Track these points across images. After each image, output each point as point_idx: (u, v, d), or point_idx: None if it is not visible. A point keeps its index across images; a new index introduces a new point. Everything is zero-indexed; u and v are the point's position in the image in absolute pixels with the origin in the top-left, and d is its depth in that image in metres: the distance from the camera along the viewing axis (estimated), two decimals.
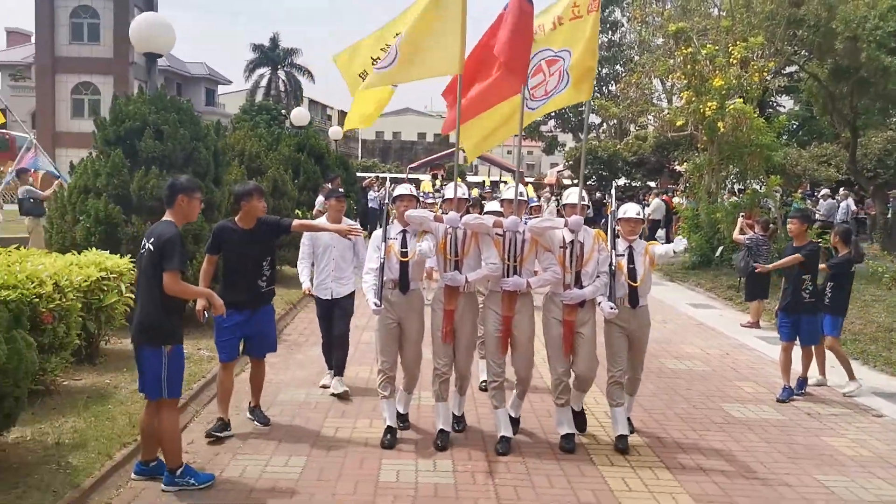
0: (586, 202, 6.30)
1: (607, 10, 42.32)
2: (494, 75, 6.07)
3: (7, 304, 4.89)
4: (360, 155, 79.52)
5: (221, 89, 65.55)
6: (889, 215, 24.90)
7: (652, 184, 32.64)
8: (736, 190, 19.14)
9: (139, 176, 9.02)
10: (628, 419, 6.37)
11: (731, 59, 15.87)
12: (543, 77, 6.21)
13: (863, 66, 18.58)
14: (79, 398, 6.34)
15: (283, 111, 62.38)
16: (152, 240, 4.81)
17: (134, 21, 9.30)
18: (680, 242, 6.20)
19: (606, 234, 6.17)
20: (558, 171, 40.26)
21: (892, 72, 17.81)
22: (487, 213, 6.29)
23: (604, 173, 33.00)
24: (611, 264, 6.01)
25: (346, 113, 12.10)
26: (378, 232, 6.11)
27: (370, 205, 24.27)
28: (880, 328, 10.61)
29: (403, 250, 6.02)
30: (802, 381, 7.87)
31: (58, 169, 30.34)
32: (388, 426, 6.07)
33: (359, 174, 30.97)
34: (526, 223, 6.14)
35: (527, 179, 33.98)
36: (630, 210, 6.30)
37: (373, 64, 6.15)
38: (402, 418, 6.38)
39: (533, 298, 6.20)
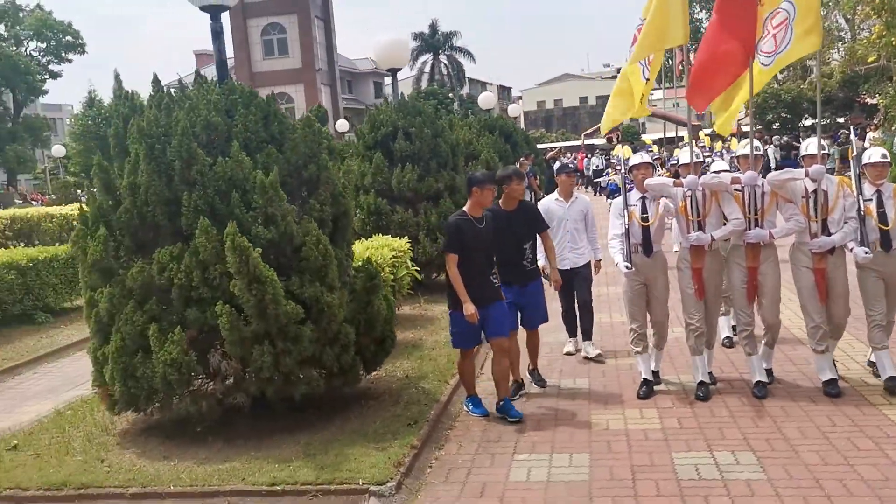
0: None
1: None
2: (724, 48, 6.17)
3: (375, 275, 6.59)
4: (524, 126, 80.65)
5: (387, 80, 68.85)
6: None
7: (841, 120, 31.51)
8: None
9: (397, 172, 10.85)
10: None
11: None
12: (767, 32, 6.26)
13: None
14: (402, 348, 8.11)
15: (449, 94, 64.84)
16: None
17: (377, 43, 11.09)
18: None
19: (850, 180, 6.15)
20: (738, 120, 39.39)
21: None
22: (714, 172, 6.40)
23: (786, 116, 32.26)
24: (859, 209, 6.01)
25: (505, 87, 13.08)
26: (618, 200, 6.48)
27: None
28: None
29: (644, 216, 6.32)
30: None
31: None
32: (644, 378, 6.45)
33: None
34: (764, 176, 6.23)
35: (705, 132, 33.79)
36: (875, 154, 6.19)
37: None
38: (655, 374, 6.65)
39: (777, 249, 6.30)
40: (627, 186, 6.54)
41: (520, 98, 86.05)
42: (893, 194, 6.05)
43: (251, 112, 5.86)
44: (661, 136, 43.10)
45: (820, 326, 6.07)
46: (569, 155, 29.78)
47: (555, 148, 32.13)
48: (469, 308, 5.74)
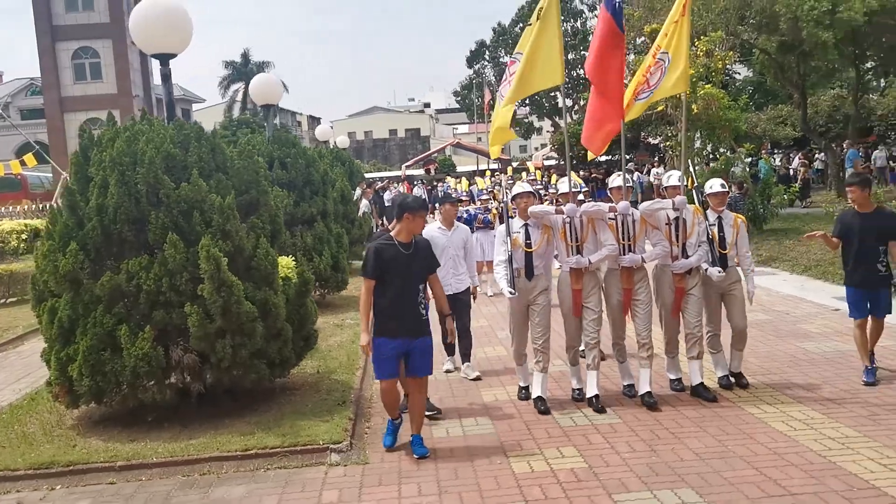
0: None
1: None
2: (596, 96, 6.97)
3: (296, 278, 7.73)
4: None
5: (196, 107, 67.69)
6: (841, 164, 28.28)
7: (628, 157, 35.82)
8: (708, 158, 22.33)
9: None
10: (740, 373, 7.19)
11: (698, 52, 18.94)
12: (645, 79, 7.09)
13: (804, 42, 21.79)
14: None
15: (263, 124, 64.94)
16: None
17: (252, 82, 12.18)
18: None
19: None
20: (543, 156, 43.35)
21: (829, 45, 21.07)
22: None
23: (582, 152, 36.14)
24: (707, 234, 6.89)
25: (314, 118, 14.03)
26: (502, 227, 6.93)
27: (387, 204, 27.37)
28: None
29: (528, 241, 6.78)
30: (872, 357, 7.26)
31: None
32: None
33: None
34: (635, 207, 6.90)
35: (514, 165, 37.09)
36: (715, 185, 7.16)
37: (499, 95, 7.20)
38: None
39: (647, 271, 7.02)
40: (510, 214, 7.03)
41: (331, 128, 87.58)
42: (734, 223, 7.05)
43: (202, 145, 6.94)
44: (474, 168, 46.52)
45: (673, 337, 7.09)
46: (395, 185, 31.61)
47: (383, 178, 33.85)
48: (364, 338, 5.78)
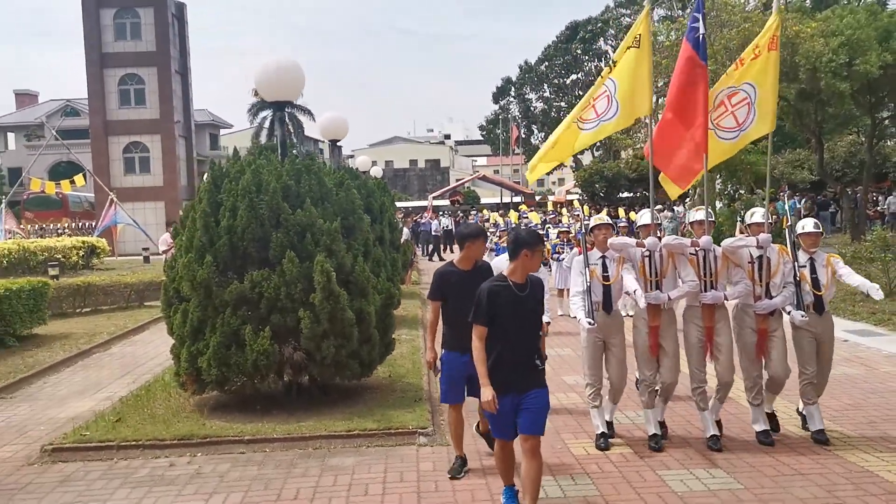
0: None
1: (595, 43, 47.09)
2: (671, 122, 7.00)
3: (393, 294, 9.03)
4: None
5: (223, 132, 69.52)
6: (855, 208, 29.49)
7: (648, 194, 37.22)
8: (730, 198, 23.63)
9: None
10: (822, 430, 6.65)
11: None
12: (726, 108, 6.90)
13: (822, 91, 23.12)
14: None
15: (293, 150, 66.66)
16: None
17: (320, 119, 13.56)
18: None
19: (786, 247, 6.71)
20: (567, 190, 44.77)
21: (845, 95, 22.41)
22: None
23: (608, 188, 37.64)
24: (795, 275, 6.52)
25: (335, 145, 14.30)
26: (580, 258, 6.63)
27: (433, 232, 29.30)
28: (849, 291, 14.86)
29: (605, 274, 6.56)
30: None
31: (135, 221, 34.54)
32: (602, 432, 6.70)
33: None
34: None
35: (537, 199, 38.62)
36: (808, 224, 6.72)
37: (581, 123, 7.18)
38: (609, 425, 6.89)
39: (728, 310, 6.78)
40: (587, 246, 6.82)
41: (352, 157, 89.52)
42: (826, 262, 6.68)
43: (311, 177, 8.30)
44: (499, 200, 48.03)
45: (756, 381, 6.62)
46: (424, 215, 33.22)
47: (407, 208, 35.34)
48: (487, 394, 4.89)
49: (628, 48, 7.09)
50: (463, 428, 6.26)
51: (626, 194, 37.21)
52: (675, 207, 29.48)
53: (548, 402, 5.08)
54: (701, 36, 6.78)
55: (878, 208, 29.81)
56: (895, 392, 8.57)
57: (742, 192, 21.45)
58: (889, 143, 34.95)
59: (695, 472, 6.16)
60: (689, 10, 28.22)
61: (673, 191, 7.49)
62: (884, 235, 14.97)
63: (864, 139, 32.12)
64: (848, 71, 22.01)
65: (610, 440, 6.79)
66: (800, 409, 7.06)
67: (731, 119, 6.95)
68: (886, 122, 30.99)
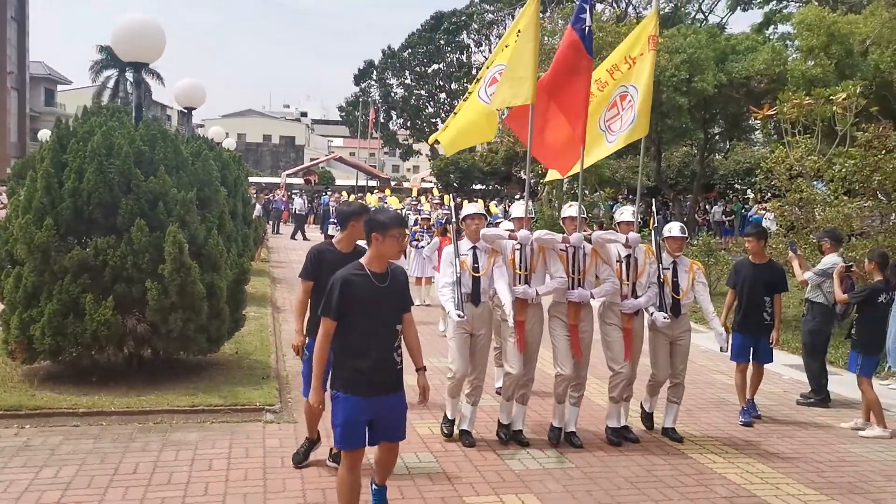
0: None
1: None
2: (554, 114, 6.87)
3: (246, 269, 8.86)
4: None
5: (60, 88, 64.63)
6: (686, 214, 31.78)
7: (500, 188, 38.49)
8: (573, 197, 24.83)
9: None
10: (673, 428, 6.95)
11: None
12: (617, 111, 6.91)
13: (663, 104, 24.70)
14: None
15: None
16: None
17: (178, 85, 13.04)
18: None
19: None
20: (422, 178, 45.25)
21: (684, 109, 24.07)
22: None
23: (460, 180, 38.45)
24: (659, 276, 6.58)
25: (184, 113, 14.04)
26: (450, 248, 6.51)
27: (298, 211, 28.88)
28: None
29: (475, 265, 6.39)
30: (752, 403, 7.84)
31: None
32: (451, 420, 6.72)
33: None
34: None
35: (393, 185, 38.89)
36: (674, 228, 6.84)
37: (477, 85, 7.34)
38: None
39: (591, 309, 6.78)
40: (458, 235, 6.66)
41: (202, 126, 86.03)
42: (689, 268, 6.85)
43: (167, 145, 8.02)
44: (354, 183, 47.78)
45: (623, 378, 6.69)
46: (277, 192, 32.54)
47: (262, 184, 34.54)
48: (315, 397, 4.58)
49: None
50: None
51: (478, 186, 38.19)
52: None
53: (406, 404, 4.72)
54: (587, 28, 6.67)
55: (706, 216, 32.29)
56: (709, 383, 9.53)
57: (587, 192, 22.57)
58: (717, 156, 37.87)
59: (531, 453, 6.55)
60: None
61: (554, 176, 7.80)
62: (709, 241, 16.28)
63: (696, 151, 34.67)
64: (687, 87, 23.62)
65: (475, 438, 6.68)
66: (643, 405, 7.32)
67: (618, 122, 6.98)
68: (717, 137, 33.61)
